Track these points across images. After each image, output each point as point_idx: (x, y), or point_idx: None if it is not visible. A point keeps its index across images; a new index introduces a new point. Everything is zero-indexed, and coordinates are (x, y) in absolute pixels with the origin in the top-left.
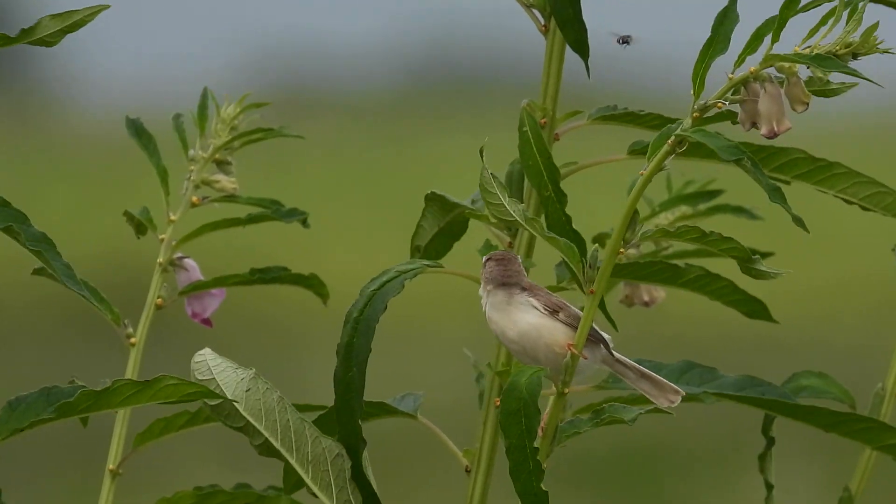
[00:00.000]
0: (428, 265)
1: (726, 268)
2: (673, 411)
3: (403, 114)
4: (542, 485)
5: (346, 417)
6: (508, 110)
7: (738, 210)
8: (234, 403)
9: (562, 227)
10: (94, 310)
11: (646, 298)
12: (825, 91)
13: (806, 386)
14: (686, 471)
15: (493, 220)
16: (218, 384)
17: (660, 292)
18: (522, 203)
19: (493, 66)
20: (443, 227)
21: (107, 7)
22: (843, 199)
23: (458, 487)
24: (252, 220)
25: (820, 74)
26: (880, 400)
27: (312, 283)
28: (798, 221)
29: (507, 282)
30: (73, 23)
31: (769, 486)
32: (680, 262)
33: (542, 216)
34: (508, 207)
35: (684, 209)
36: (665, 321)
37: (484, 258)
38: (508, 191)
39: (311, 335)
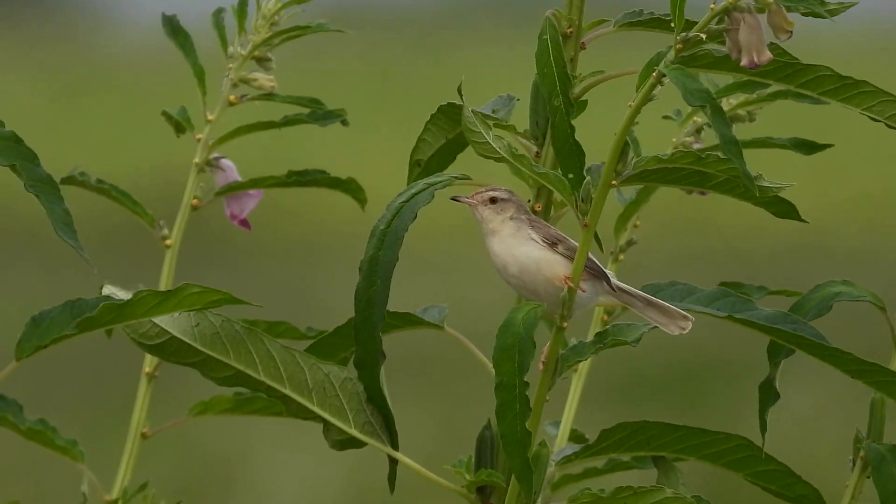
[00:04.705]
0: (456, 177)
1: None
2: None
3: (442, 26)
4: (526, 425)
5: (367, 332)
6: None
7: (800, 96)
8: (184, 339)
9: (566, 138)
10: (134, 221)
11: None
12: (819, 13)
13: (839, 293)
14: (735, 382)
15: (519, 131)
16: (155, 323)
17: None
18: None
19: None
20: (449, 140)
21: None
22: (869, 116)
23: (489, 401)
24: (288, 122)
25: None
26: None
27: (351, 188)
28: (747, 178)
29: (508, 216)
30: None
31: (773, 397)
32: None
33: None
34: (493, 144)
35: (744, 96)
36: (717, 234)
37: (485, 191)
38: (535, 102)
39: (342, 256)
